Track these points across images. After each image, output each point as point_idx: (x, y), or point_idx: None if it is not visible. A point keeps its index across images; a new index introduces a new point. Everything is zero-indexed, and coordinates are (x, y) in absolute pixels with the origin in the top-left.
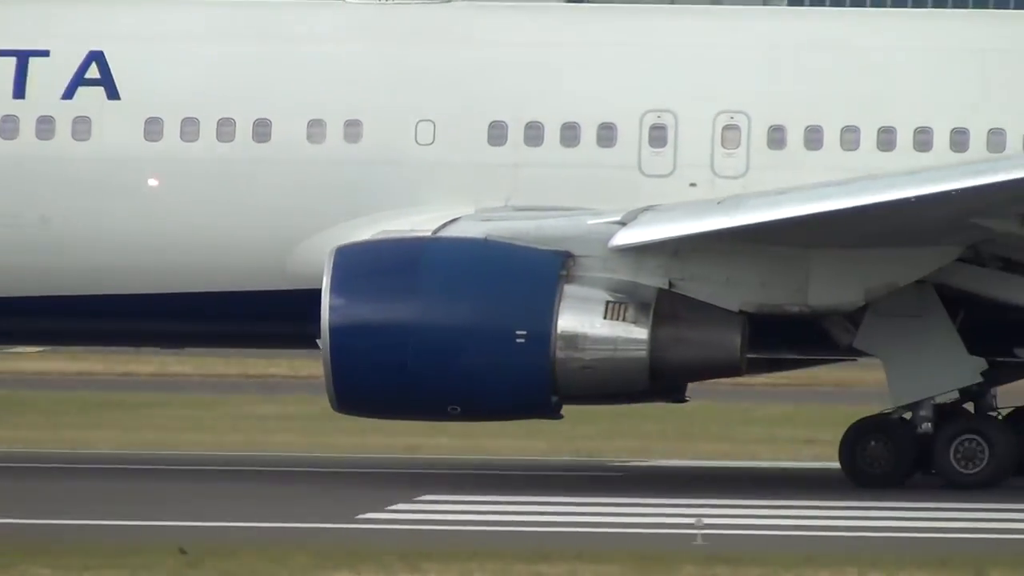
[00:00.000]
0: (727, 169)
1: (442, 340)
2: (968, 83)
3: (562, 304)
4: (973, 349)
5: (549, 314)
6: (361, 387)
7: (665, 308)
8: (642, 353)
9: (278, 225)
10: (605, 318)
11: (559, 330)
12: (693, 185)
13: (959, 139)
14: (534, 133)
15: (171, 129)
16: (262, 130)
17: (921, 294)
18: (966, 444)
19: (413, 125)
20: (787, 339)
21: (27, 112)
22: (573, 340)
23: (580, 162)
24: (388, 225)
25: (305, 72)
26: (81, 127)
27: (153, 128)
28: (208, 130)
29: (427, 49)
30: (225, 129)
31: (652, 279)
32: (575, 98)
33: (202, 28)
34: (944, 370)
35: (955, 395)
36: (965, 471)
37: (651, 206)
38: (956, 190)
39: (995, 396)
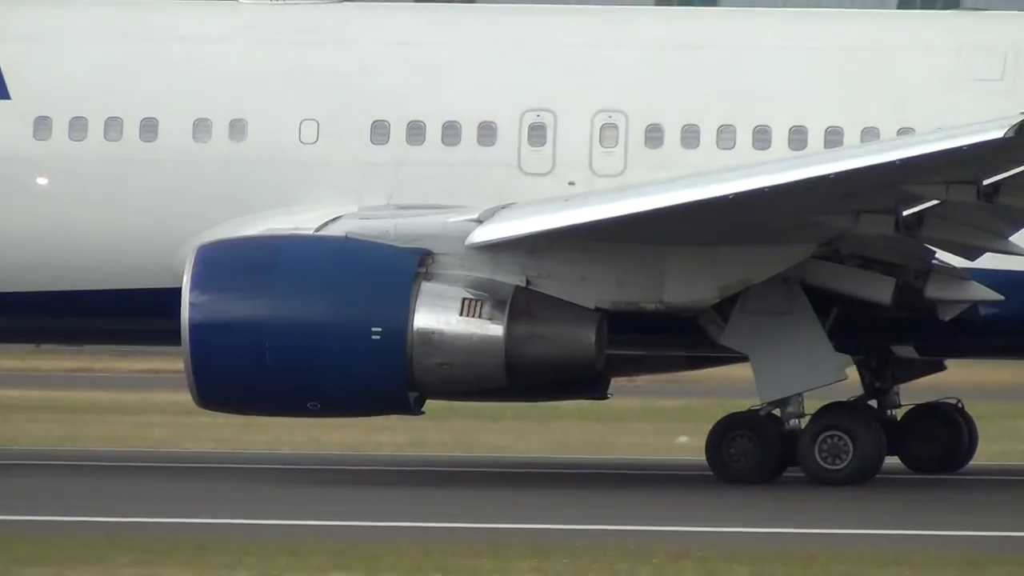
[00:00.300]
0: (605, 168)
1: (298, 337)
2: (843, 82)
3: (419, 302)
4: (846, 346)
5: (404, 311)
6: (221, 384)
7: (521, 305)
8: (497, 349)
9: (165, 223)
10: (461, 315)
11: (415, 328)
12: (572, 183)
13: (833, 138)
14: (416, 132)
15: (60, 128)
16: (149, 129)
17: (788, 291)
18: (831, 440)
19: (297, 124)
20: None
21: None
22: (429, 337)
23: (461, 161)
24: (273, 224)
25: (192, 72)
26: None
27: (42, 127)
28: (96, 129)
29: (312, 49)
30: (113, 128)
31: (509, 277)
32: (457, 97)
33: (92, 28)
34: (810, 367)
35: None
36: (830, 467)
37: (510, 204)
38: (768, 187)
39: (898, 393)
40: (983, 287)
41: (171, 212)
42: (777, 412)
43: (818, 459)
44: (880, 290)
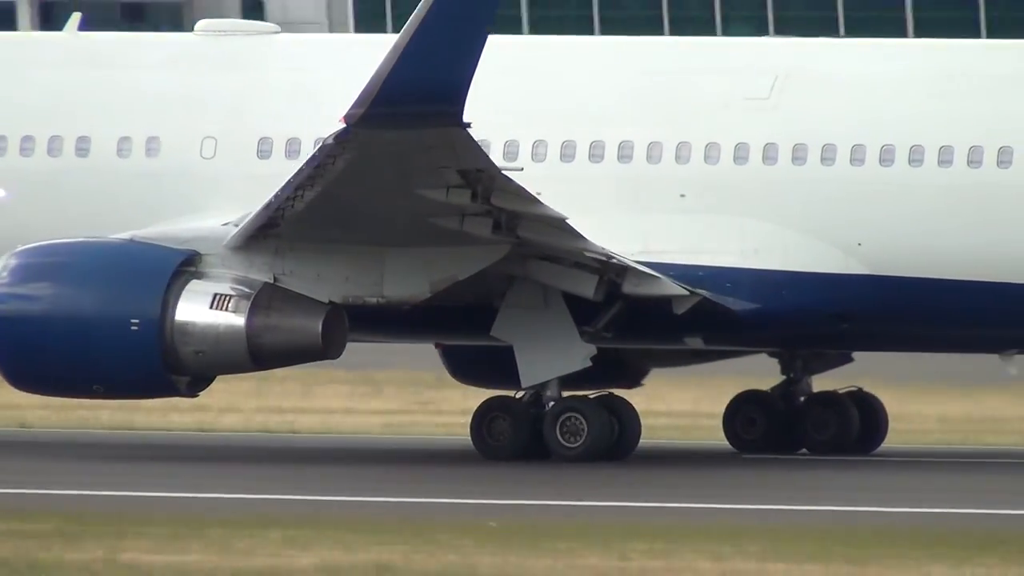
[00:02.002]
0: None
1: (73, 328)
2: (639, 100)
3: (181, 296)
4: (637, 338)
5: (157, 304)
6: (24, 370)
7: (263, 300)
8: (240, 338)
9: (93, 229)
10: (211, 308)
11: (176, 319)
12: None
13: (624, 152)
14: (293, 147)
15: (13, 145)
16: (83, 146)
17: (545, 290)
18: (570, 421)
19: (199, 141)
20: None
21: None
22: (185, 328)
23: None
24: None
25: (119, 95)
26: None
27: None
28: (41, 146)
29: (220, 75)
30: (54, 145)
31: (261, 274)
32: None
33: (45, 56)
34: (562, 355)
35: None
36: (567, 444)
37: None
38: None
39: (810, 383)
40: (673, 284)
41: (97, 219)
42: (533, 396)
43: (559, 437)
44: (585, 286)
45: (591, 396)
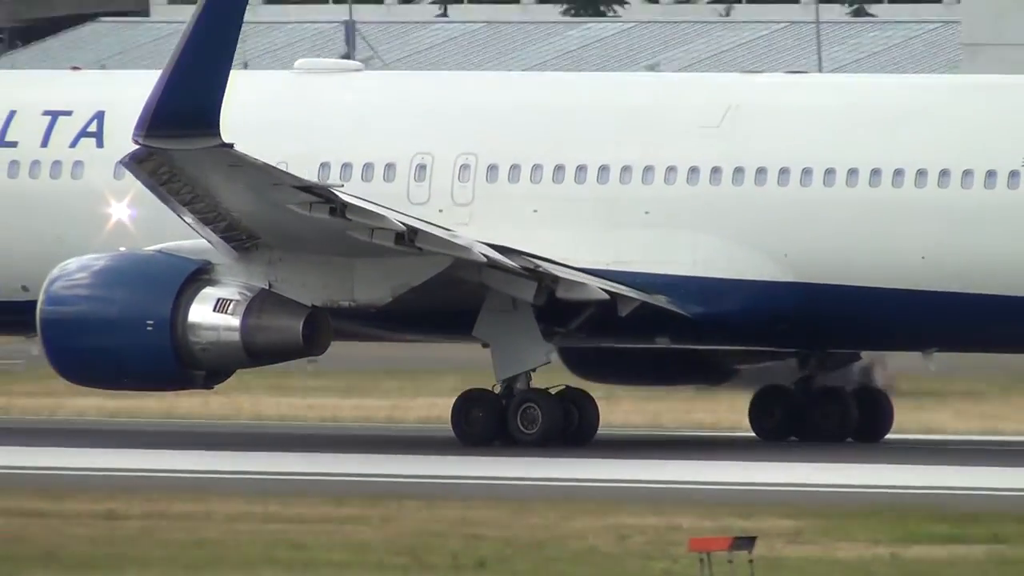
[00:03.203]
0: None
1: (103, 328)
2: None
3: (193, 300)
4: (611, 338)
5: (168, 307)
6: (69, 364)
7: (256, 304)
8: (235, 337)
9: None
10: (214, 311)
11: (188, 320)
12: (440, 211)
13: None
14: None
15: None
16: None
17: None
18: (528, 411)
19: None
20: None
21: None
22: (192, 328)
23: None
24: None
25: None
26: None
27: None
28: None
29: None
30: None
31: (259, 281)
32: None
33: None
34: (528, 352)
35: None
36: (525, 431)
37: None
38: None
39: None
40: (596, 288)
41: None
42: (504, 388)
43: (519, 425)
44: (526, 291)
45: (550, 389)
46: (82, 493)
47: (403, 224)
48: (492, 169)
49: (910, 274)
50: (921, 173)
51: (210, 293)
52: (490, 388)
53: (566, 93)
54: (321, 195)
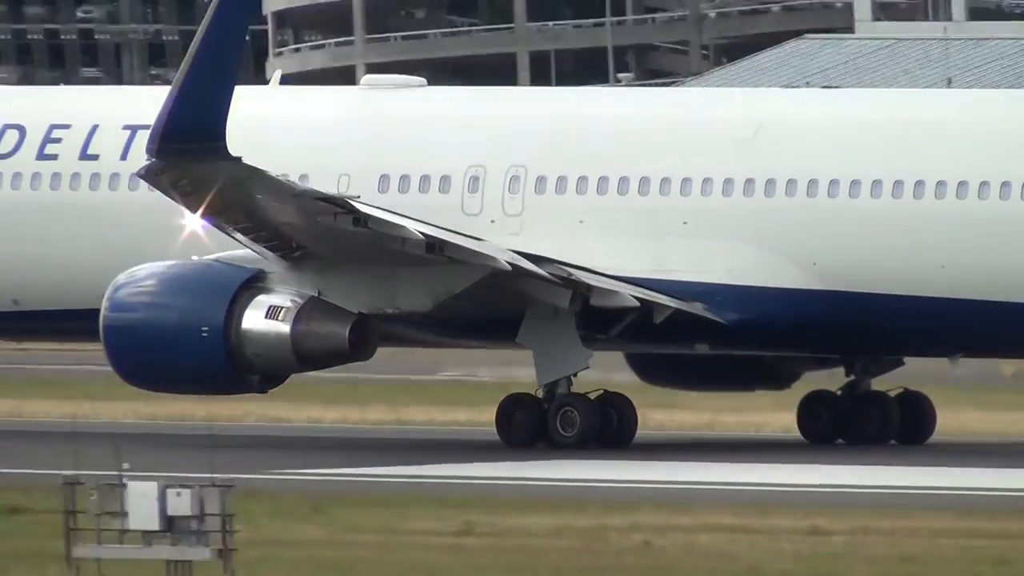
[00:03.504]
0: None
1: (162, 334)
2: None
3: (247, 307)
4: (651, 344)
5: (221, 315)
6: (130, 370)
7: (306, 311)
8: (286, 343)
9: None
10: (265, 318)
11: (242, 327)
12: (492, 221)
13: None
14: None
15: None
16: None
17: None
18: (566, 414)
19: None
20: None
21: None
22: (246, 334)
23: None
24: None
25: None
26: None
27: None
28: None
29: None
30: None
31: (309, 289)
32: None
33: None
34: (566, 359)
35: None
36: (564, 434)
37: None
38: None
39: (869, 383)
40: (628, 296)
41: None
42: (545, 393)
43: (558, 428)
44: (561, 298)
45: (588, 395)
46: (782, 509)
47: (421, 233)
48: (540, 181)
49: (931, 282)
50: (941, 184)
51: (263, 300)
52: (533, 392)
53: (617, 106)
54: (340, 206)
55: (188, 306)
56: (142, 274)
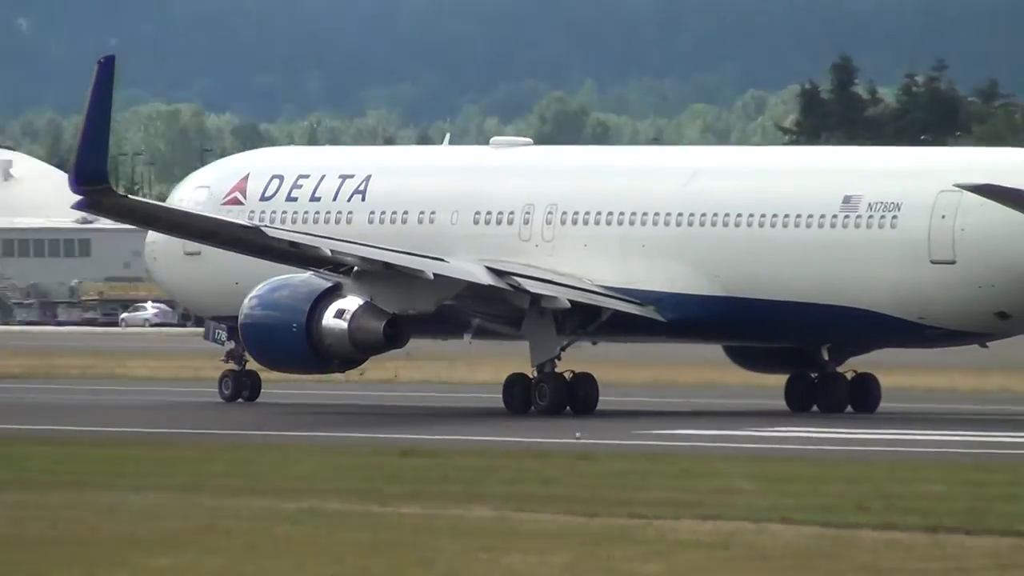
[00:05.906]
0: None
1: (275, 328)
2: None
3: (325, 309)
4: (621, 337)
5: (304, 315)
6: (260, 356)
7: (359, 312)
8: (345, 336)
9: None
10: (334, 318)
11: (322, 324)
12: (536, 246)
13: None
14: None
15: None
16: (425, 218)
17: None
18: (540, 388)
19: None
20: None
21: None
22: (323, 330)
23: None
24: None
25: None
26: None
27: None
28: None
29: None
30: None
31: (364, 296)
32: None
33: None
34: (547, 346)
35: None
36: (540, 403)
37: None
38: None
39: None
40: (564, 299)
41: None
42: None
43: (535, 398)
44: (522, 301)
45: (564, 374)
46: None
47: (332, 251)
48: (564, 215)
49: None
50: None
51: (335, 304)
52: (528, 373)
53: (623, 158)
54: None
55: (285, 308)
56: (264, 286)
